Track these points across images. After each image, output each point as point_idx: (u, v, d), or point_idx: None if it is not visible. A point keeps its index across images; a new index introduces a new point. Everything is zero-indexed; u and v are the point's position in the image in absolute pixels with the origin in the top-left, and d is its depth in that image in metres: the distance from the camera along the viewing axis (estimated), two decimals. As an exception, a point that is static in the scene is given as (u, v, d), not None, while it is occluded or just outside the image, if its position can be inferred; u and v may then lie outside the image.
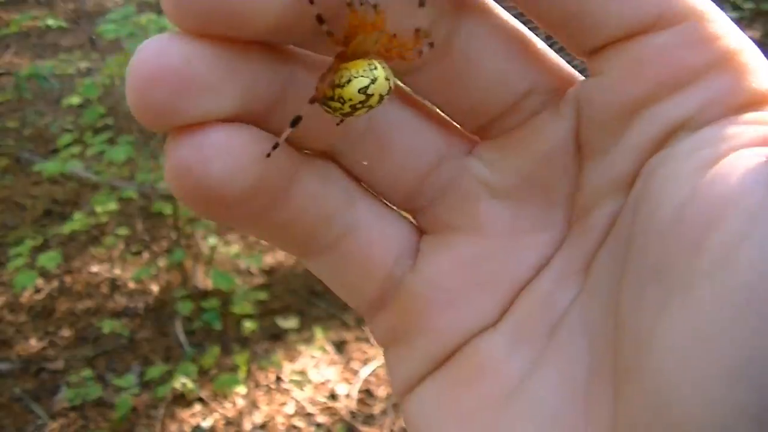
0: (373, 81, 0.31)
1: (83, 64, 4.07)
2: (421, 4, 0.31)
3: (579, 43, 0.33)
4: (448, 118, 0.37)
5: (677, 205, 0.28)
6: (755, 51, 0.31)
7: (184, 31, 0.28)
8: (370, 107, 0.32)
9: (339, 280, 0.38)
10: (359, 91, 0.31)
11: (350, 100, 0.31)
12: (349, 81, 0.31)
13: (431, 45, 0.32)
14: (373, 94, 0.31)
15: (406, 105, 0.37)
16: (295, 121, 0.31)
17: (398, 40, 0.32)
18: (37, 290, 2.74)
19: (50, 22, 3.99)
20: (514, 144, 0.36)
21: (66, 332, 2.58)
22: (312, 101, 0.32)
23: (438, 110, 0.37)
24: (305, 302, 2.74)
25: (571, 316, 0.35)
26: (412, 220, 0.39)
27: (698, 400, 0.25)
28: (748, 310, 0.24)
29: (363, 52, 0.32)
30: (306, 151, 0.35)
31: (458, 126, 0.37)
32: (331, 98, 0.31)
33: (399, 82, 0.35)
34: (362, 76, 0.31)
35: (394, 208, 0.38)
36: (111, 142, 2.73)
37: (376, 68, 0.32)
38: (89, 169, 3.10)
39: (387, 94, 0.32)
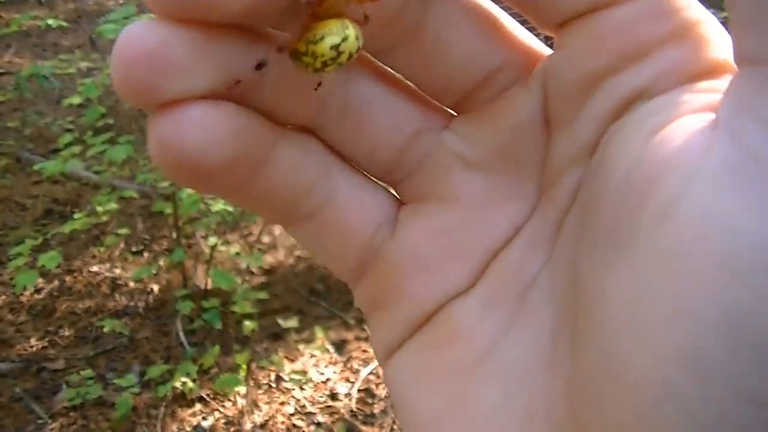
0: (345, 39, 0.32)
1: (84, 64, 4.09)
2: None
3: (544, 18, 0.34)
4: (423, 94, 0.38)
5: (626, 168, 0.30)
6: (713, 23, 0.31)
7: (162, 17, 0.30)
8: (340, 64, 0.33)
9: (321, 248, 0.40)
10: (331, 48, 0.32)
11: (322, 56, 0.32)
12: (322, 38, 0.32)
13: None
14: (343, 52, 0.33)
15: (382, 82, 0.38)
16: (260, 65, 0.32)
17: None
18: (38, 290, 2.75)
19: (51, 21, 4.00)
20: (487, 118, 0.37)
21: (66, 332, 2.59)
22: (279, 50, 0.33)
23: (414, 86, 0.38)
24: (305, 301, 2.75)
25: (540, 281, 0.36)
26: (392, 191, 0.40)
27: (640, 350, 0.26)
28: (681, 264, 0.25)
29: (335, 12, 0.33)
30: (285, 126, 0.36)
31: (434, 101, 0.39)
32: (304, 53, 0.33)
33: (374, 59, 0.37)
34: (335, 34, 0.32)
35: (374, 179, 0.40)
36: (111, 141, 2.74)
37: (348, 28, 0.33)
38: (90, 168, 3.11)
39: (356, 53, 0.33)
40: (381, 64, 0.37)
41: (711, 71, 0.31)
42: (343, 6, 0.33)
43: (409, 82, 0.38)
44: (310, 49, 0.32)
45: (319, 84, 0.34)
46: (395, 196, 0.40)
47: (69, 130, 3.34)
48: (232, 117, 0.32)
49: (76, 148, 2.81)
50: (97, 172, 3.03)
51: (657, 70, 0.32)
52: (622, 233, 0.29)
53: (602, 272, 0.30)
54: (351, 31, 0.33)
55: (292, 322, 2.61)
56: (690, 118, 0.29)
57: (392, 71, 0.38)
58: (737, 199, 0.24)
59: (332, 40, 0.32)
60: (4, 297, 2.71)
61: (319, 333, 2.57)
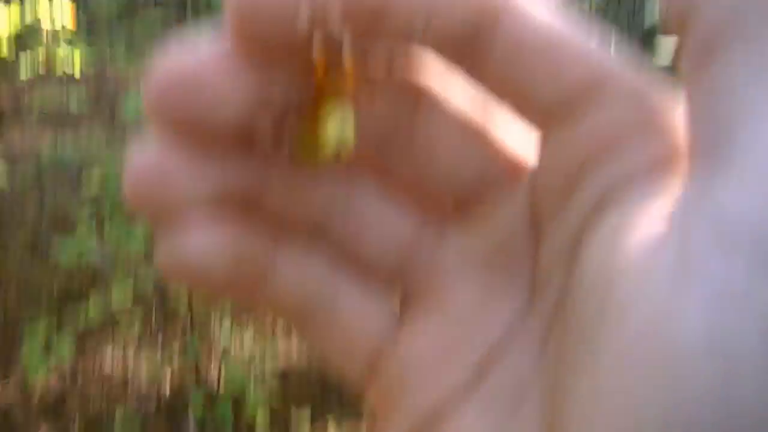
0: (345, 130, 0.34)
1: (104, 145, 4.15)
2: (383, 91, 0.35)
3: (525, 120, 0.35)
4: (421, 198, 0.39)
5: (593, 268, 0.31)
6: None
7: (163, 138, 0.32)
8: (338, 152, 0.34)
9: (328, 352, 0.40)
10: (332, 135, 0.34)
11: (322, 143, 0.34)
12: (326, 120, 0.34)
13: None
14: (344, 143, 0.34)
15: (382, 186, 0.38)
16: (275, 118, 0.34)
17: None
18: (50, 379, 2.75)
19: (72, 101, 4.07)
20: (480, 221, 0.38)
21: (77, 424, 2.58)
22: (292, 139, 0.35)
23: (411, 191, 0.39)
24: (319, 395, 2.74)
25: (533, 383, 0.36)
26: (394, 294, 0.40)
27: None
28: (631, 369, 0.26)
29: (335, 91, 0.34)
30: (288, 232, 0.37)
31: (431, 205, 0.39)
32: (307, 143, 0.34)
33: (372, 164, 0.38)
34: (334, 120, 0.34)
35: (377, 283, 0.39)
36: (129, 227, 2.76)
37: (347, 113, 0.34)
38: (106, 254, 3.14)
39: (353, 143, 0.34)
40: (379, 168, 0.38)
41: (682, 166, 0.31)
42: (343, 88, 0.34)
43: (406, 187, 0.39)
44: (308, 135, 0.34)
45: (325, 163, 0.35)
46: (398, 299, 0.40)
47: (87, 212, 3.38)
48: (232, 230, 0.34)
49: (94, 231, 2.85)
50: (114, 258, 3.06)
51: (630, 163, 0.32)
52: (586, 337, 0.29)
53: (569, 375, 0.30)
54: (350, 117, 0.34)
55: (305, 415, 2.61)
56: (655, 213, 0.29)
57: (389, 176, 0.38)
58: (679, 302, 0.24)
59: (332, 127, 0.34)
60: (14, 385, 2.71)
61: (332, 428, 2.57)
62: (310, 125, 0.34)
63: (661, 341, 0.24)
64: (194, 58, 0.31)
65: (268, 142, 0.34)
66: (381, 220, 0.38)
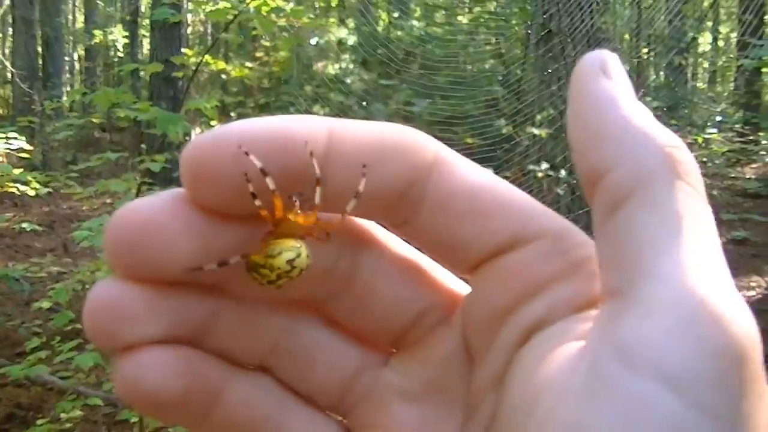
0: (298, 256, 0.38)
1: (55, 268, 4.12)
2: (327, 235, 0.40)
3: (458, 265, 0.41)
4: (363, 335, 0.44)
5: (518, 392, 0.36)
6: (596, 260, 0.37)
7: (121, 276, 0.37)
8: (291, 278, 0.39)
9: None
10: (287, 261, 0.38)
11: (279, 268, 0.38)
12: (279, 253, 0.38)
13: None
14: (296, 267, 0.38)
15: (326, 326, 0.43)
16: (222, 264, 0.38)
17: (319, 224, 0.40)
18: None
19: (25, 225, 4.05)
20: (418, 354, 0.43)
21: None
22: (248, 268, 0.39)
23: (354, 328, 0.44)
24: None
25: None
26: (342, 420, 0.45)
27: None
28: None
29: (289, 233, 0.39)
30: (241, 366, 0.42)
31: (373, 341, 0.44)
32: (262, 266, 0.38)
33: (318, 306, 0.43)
34: (290, 251, 0.38)
35: (324, 412, 0.44)
36: (79, 347, 2.73)
37: (301, 247, 0.39)
38: (56, 373, 3.08)
39: (305, 268, 0.39)
40: (323, 307, 0.43)
41: (596, 302, 0.37)
42: (297, 229, 0.39)
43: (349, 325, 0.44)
44: (268, 262, 0.38)
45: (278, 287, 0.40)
46: (345, 426, 0.44)
47: (36, 334, 3.33)
48: (184, 358, 0.38)
49: (43, 353, 2.80)
50: (63, 378, 3.00)
51: (551, 304, 0.38)
52: None
53: None
54: (303, 249, 0.39)
55: None
56: (571, 344, 0.35)
57: (333, 314, 0.43)
58: (590, 414, 0.30)
59: (288, 255, 0.38)
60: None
61: None
62: (266, 250, 0.39)
63: None
64: (150, 207, 0.37)
65: (217, 281, 0.40)
66: (325, 355, 0.43)
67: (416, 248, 0.43)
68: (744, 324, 0.29)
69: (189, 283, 0.38)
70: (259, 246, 0.39)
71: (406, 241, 0.43)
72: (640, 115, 0.35)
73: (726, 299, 0.30)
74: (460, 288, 0.43)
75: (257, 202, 0.37)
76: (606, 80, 0.36)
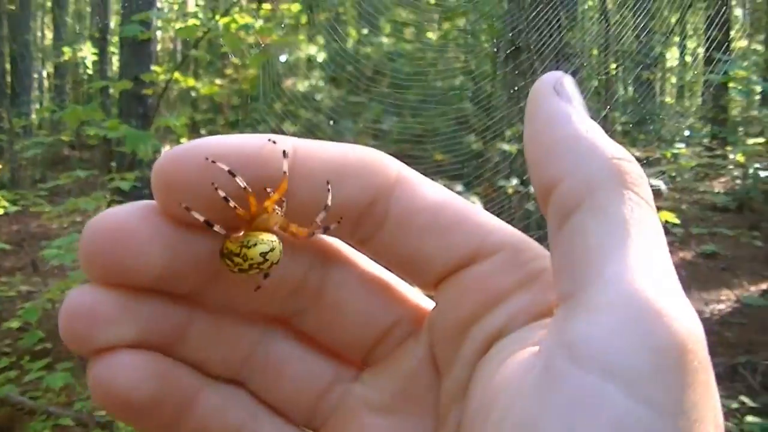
0: (272, 249, 0.41)
1: (24, 287, 4.09)
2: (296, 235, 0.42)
3: (423, 280, 0.44)
4: (335, 349, 0.46)
5: (479, 398, 0.38)
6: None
7: (95, 281, 0.40)
8: (261, 270, 0.41)
9: None
10: (260, 254, 0.41)
11: (251, 259, 0.41)
12: (255, 245, 0.41)
13: (326, 230, 0.42)
14: (268, 260, 0.41)
15: (298, 340, 0.46)
16: (208, 223, 0.40)
17: (292, 226, 0.42)
18: None
19: (-6, 243, 4.02)
20: (388, 367, 0.45)
21: None
22: (221, 254, 0.41)
23: (325, 343, 0.46)
24: None
25: None
26: None
27: None
28: None
29: (264, 227, 0.42)
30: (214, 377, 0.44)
31: (344, 355, 0.47)
32: (237, 254, 0.41)
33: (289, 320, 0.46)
34: (265, 244, 0.41)
35: (296, 425, 0.46)
36: (49, 367, 2.72)
37: (275, 242, 0.41)
38: (25, 394, 3.06)
39: (276, 263, 0.42)
40: (293, 321, 0.45)
41: (552, 310, 0.40)
42: (271, 224, 0.42)
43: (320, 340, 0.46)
44: (243, 251, 0.41)
45: (258, 287, 0.43)
46: None
47: (6, 354, 3.30)
48: (156, 362, 0.40)
49: (13, 373, 2.78)
50: (33, 398, 2.98)
51: (510, 313, 0.41)
52: None
53: None
54: (277, 245, 0.41)
55: None
56: (528, 349, 0.37)
57: (303, 328, 0.46)
58: (541, 410, 0.32)
59: (263, 248, 0.41)
60: None
61: None
62: (242, 240, 0.41)
63: None
64: (123, 215, 0.40)
65: (190, 290, 0.42)
66: (296, 368, 0.45)
67: (382, 265, 0.45)
68: (686, 321, 0.32)
69: (162, 291, 0.41)
70: (235, 236, 0.42)
71: (372, 259, 0.45)
72: (589, 131, 0.37)
73: (669, 299, 0.32)
74: (426, 303, 0.46)
75: (231, 203, 0.40)
76: (558, 99, 0.39)
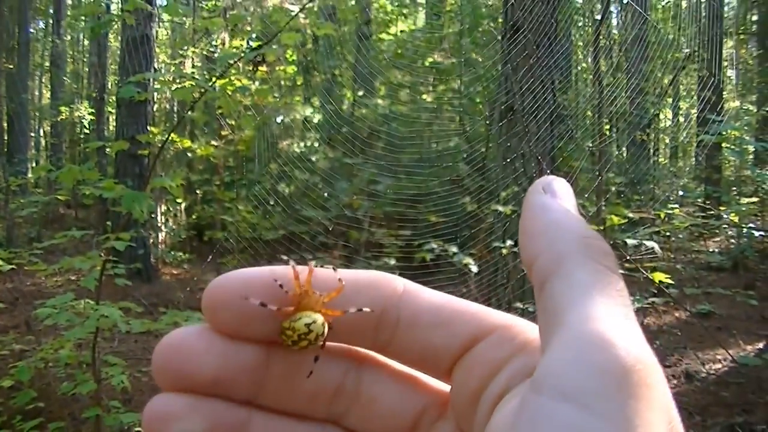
0: (314, 322, 0.49)
1: (18, 346, 4.07)
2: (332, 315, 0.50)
3: (436, 371, 0.51)
4: None
5: None
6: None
7: (165, 389, 0.47)
8: (309, 341, 0.49)
9: None
10: (305, 324, 0.48)
11: (298, 330, 0.49)
12: (299, 318, 0.49)
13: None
14: (312, 331, 0.49)
15: None
16: (263, 305, 0.49)
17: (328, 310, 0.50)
18: None
19: (-12, 302, 4.01)
20: None
21: None
22: (278, 332, 0.49)
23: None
24: None
25: None
26: None
27: None
28: None
29: (309, 308, 0.50)
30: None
31: None
32: (287, 329, 0.49)
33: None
34: (307, 318, 0.49)
35: None
36: (42, 427, 2.70)
37: (317, 317, 0.49)
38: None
39: (321, 335, 0.49)
40: (340, 422, 0.52)
41: None
42: (315, 307, 0.50)
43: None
44: (291, 324, 0.49)
45: (311, 373, 0.50)
46: None
47: (-2, 413, 3.28)
48: None
49: (4, 432, 2.76)
50: (24, 460, 2.95)
51: (509, 377, 0.46)
52: None
53: None
54: (319, 319, 0.49)
55: None
56: (522, 397, 0.41)
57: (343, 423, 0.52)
58: None
59: (305, 320, 0.49)
60: None
61: None
62: (291, 317, 0.49)
63: None
64: (182, 334, 0.48)
65: (248, 394, 0.49)
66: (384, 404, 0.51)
67: (405, 365, 0.52)
68: (633, 348, 0.38)
69: (222, 395, 0.48)
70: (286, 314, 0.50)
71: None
72: (565, 217, 0.46)
73: (620, 332, 0.38)
74: (448, 389, 0.51)
75: (271, 307, 0.49)
76: (545, 196, 0.48)
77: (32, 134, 17.76)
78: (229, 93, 3.27)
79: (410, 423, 0.51)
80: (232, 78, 3.43)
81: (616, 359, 0.37)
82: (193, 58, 11.34)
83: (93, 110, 15.52)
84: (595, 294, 0.40)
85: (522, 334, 0.48)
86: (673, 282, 4.65)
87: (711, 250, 11.06)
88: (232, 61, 3.34)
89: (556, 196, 0.48)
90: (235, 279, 0.48)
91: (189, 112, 3.84)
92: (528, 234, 0.47)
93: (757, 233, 8.93)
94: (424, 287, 0.52)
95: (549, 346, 0.40)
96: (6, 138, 13.18)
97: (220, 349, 0.48)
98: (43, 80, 21.39)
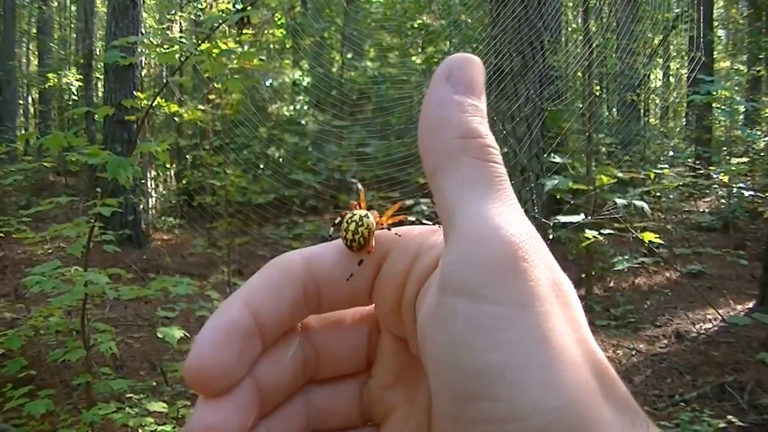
0: (366, 216, 0.58)
1: (8, 314, 4.07)
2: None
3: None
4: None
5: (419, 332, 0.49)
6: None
7: (202, 395, 0.49)
8: (363, 236, 0.56)
9: None
10: (361, 216, 0.58)
11: (354, 220, 0.57)
12: (353, 215, 0.58)
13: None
14: (362, 225, 0.57)
15: None
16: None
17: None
18: None
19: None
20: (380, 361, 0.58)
21: None
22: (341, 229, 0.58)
23: None
24: None
25: None
26: None
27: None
28: (434, 374, 0.44)
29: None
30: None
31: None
32: (345, 229, 0.57)
33: None
34: (358, 215, 0.58)
35: None
36: (32, 394, 2.70)
37: (368, 216, 0.58)
38: (8, 421, 3.03)
39: (373, 231, 0.57)
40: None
41: None
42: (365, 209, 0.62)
43: None
44: (345, 225, 0.57)
45: (361, 261, 0.56)
46: None
47: (-12, 382, 3.28)
48: None
49: (-5, 401, 2.76)
50: (16, 425, 2.95)
51: (423, 267, 0.51)
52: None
53: None
54: (371, 218, 0.58)
55: None
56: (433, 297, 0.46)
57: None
58: (435, 334, 0.43)
59: (355, 218, 0.58)
60: None
61: None
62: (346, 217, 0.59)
63: (443, 358, 0.43)
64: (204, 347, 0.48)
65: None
66: None
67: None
68: (507, 232, 0.43)
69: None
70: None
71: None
72: (454, 112, 0.48)
73: (495, 222, 0.44)
74: None
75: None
76: (442, 87, 0.49)
77: (20, 102, 17.65)
78: (215, 56, 3.24)
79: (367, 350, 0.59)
80: (219, 41, 3.40)
81: (494, 247, 0.43)
82: (180, 23, 11.25)
83: (81, 77, 15.40)
84: (474, 189, 0.46)
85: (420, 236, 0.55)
86: (663, 242, 4.65)
87: (701, 210, 11.08)
88: (217, 24, 3.31)
89: (456, 85, 0.49)
90: (202, 359, 0.48)
91: (174, 77, 3.80)
92: (420, 129, 0.50)
93: (747, 193, 8.93)
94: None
95: (446, 247, 0.45)
96: (-6, 106, 13.08)
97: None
98: (30, 47, 21.21)
